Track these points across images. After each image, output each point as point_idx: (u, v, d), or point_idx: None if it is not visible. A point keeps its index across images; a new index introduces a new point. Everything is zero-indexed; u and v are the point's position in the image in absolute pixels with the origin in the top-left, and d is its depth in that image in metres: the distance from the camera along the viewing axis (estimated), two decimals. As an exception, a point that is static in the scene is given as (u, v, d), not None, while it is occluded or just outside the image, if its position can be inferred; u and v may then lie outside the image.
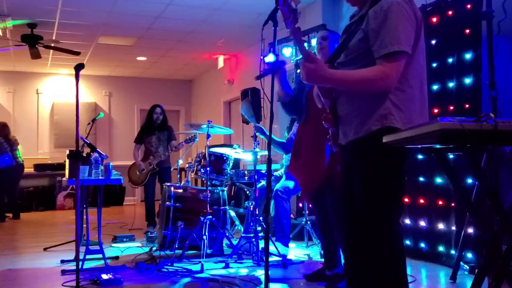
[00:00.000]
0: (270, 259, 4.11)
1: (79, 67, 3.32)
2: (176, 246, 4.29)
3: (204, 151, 4.81)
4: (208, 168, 4.58)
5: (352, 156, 2.13)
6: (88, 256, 4.13)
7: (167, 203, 4.50)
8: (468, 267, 3.72)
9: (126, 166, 6.57)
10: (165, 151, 6.13)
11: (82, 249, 4.05)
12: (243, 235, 4.55)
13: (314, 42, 5.53)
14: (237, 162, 6.36)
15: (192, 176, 5.10)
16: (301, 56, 2.18)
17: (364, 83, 1.97)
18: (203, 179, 4.94)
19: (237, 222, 5.46)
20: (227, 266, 4.06)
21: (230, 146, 5.51)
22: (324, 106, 2.28)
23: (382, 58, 1.93)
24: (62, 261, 4.32)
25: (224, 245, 4.66)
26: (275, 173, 5.21)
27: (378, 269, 2.03)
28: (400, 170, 2.07)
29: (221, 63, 9.02)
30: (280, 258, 4.17)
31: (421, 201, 4.25)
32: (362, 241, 2.08)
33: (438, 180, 4.09)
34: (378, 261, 2.02)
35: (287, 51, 5.82)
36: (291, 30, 2.07)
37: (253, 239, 4.26)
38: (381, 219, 2.01)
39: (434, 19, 4.20)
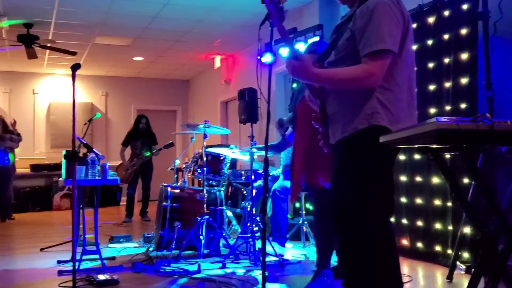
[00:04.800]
0: (267, 259, 4.10)
1: (75, 67, 3.31)
2: (173, 247, 4.28)
3: (201, 151, 4.80)
4: (205, 168, 4.57)
5: (341, 155, 2.14)
6: (84, 257, 4.12)
7: (164, 203, 4.49)
8: (464, 267, 3.73)
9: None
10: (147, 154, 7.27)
11: (79, 249, 4.05)
12: (240, 235, 4.54)
13: (311, 42, 5.54)
14: (234, 162, 6.36)
15: (189, 176, 5.09)
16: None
17: (348, 81, 1.99)
18: (200, 179, 4.93)
19: (234, 222, 5.46)
20: (224, 266, 4.06)
21: (227, 146, 5.50)
22: (315, 108, 2.29)
23: (367, 56, 1.95)
24: (59, 262, 4.31)
25: (221, 245, 4.66)
26: (272, 173, 5.21)
27: (371, 268, 2.03)
28: (388, 169, 2.07)
29: (218, 63, 9.01)
30: (277, 258, 4.17)
31: (418, 200, 4.26)
32: (353, 241, 2.08)
33: (435, 179, 4.10)
34: (371, 261, 2.02)
35: (284, 51, 5.81)
36: (278, 27, 2.09)
37: (250, 239, 4.26)
38: (372, 218, 2.01)
39: (431, 19, 4.21)
